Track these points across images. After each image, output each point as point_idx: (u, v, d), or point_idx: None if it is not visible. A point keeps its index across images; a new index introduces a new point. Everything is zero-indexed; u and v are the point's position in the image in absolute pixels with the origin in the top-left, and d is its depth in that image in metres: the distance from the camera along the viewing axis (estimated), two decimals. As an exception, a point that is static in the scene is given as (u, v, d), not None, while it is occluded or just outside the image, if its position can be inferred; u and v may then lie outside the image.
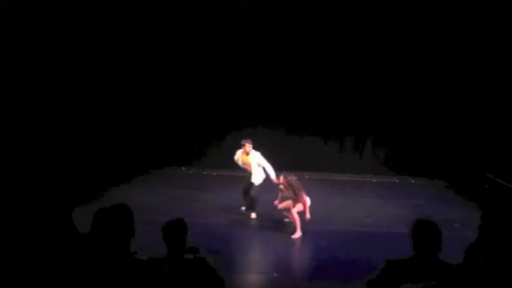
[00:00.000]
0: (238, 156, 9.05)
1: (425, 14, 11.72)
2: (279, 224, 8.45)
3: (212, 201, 9.85)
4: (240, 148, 9.01)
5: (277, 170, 8.71)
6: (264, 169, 8.83)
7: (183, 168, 13.07)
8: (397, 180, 12.43)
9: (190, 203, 9.63)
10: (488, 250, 2.41)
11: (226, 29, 12.32)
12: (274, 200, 8.38)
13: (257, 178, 8.78)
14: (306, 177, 8.43)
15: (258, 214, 8.91)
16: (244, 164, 9.01)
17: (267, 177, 8.83)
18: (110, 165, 11.57)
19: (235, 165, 9.22)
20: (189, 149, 13.08)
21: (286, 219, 8.40)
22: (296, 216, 7.94)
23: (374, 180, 12.35)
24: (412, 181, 12.36)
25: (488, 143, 11.59)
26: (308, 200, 8.03)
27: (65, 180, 9.45)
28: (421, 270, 3.19)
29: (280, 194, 8.25)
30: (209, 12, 12.22)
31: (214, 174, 12.51)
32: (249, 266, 6.68)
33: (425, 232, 3.28)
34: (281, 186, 8.10)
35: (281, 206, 8.20)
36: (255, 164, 8.83)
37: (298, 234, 7.95)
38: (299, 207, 7.95)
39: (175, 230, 3.63)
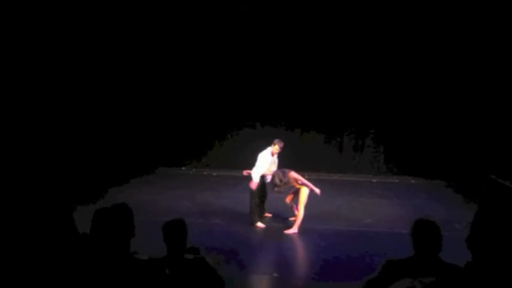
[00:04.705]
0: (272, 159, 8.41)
1: (427, 13, 11.72)
2: (279, 223, 8.44)
3: (212, 201, 9.86)
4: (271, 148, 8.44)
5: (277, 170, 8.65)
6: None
7: (183, 168, 13.09)
8: (397, 180, 12.43)
9: (190, 203, 9.65)
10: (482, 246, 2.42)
11: (227, 29, 12.33)
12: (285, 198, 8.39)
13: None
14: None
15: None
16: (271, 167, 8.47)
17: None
18: (110, 165, 11.59)
19: (235, 166, 9.16)
20: (190, 149, 13.10)
21: (291, 218, 8.37)
22: (302, 213, 7.91)
23: (374, 180, 12.35)
24: (412, 181, 12.36)
25: (489, 143, 11.59)
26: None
27: (65, 181, 9.47)
28: (421, 270, 3.20)
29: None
30: (209, 12, 12.23)
31: (214, 174, 12.52)
32: (249, 266, 6.66)
33: (425, 232, 3.28)
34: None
35: (289, 199, 8.26)
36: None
37: (293, 230, 7.94)
38: (306, 192, 7.91)
39: (175, 230, 3.63)
